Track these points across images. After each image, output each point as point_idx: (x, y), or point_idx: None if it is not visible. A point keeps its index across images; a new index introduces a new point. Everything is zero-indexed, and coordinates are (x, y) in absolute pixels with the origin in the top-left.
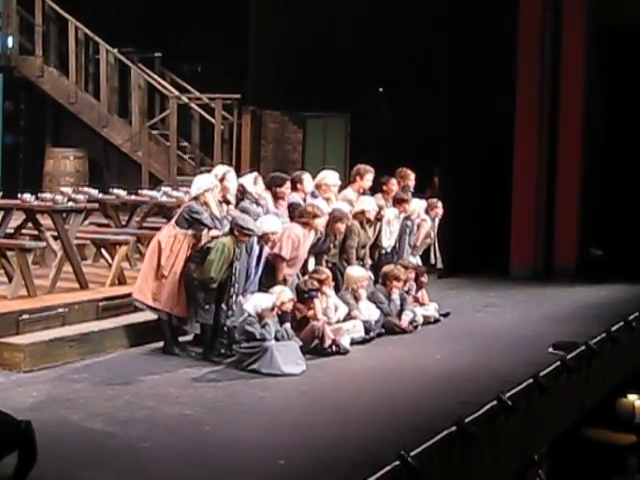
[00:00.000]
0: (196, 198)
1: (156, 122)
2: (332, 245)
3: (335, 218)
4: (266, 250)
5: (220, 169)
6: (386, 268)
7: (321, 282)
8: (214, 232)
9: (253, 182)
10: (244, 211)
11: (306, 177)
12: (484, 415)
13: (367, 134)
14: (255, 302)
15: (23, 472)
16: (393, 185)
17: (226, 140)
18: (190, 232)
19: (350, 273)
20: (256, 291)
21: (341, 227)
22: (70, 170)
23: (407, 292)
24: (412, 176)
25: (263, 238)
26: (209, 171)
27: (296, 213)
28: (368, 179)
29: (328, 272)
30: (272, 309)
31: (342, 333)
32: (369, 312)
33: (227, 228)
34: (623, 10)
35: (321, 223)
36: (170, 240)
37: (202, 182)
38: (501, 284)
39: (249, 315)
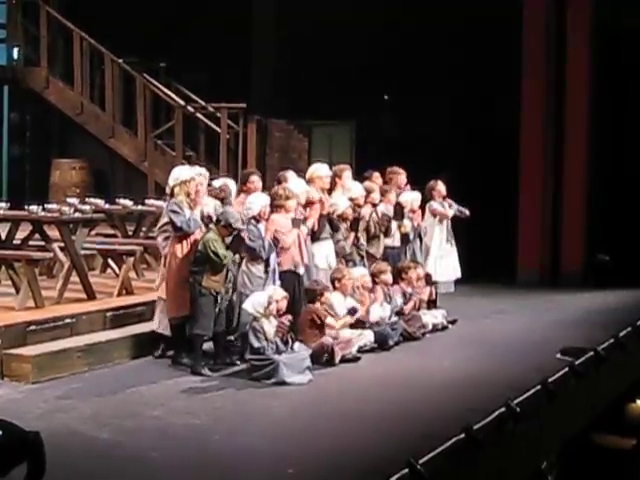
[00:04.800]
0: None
1: (162, 132)
2: (345, 236)
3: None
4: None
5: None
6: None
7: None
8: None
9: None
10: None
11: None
12: (493, 422)
13: (372, 141)
14: (252, 301)
15: None
16: (377, 178)
17: (232, 149)
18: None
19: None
20: None
21: (349, 212)
22: (76, 181)
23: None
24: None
25: (259, 215)
26: (213, 179)
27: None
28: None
29: (346, 271)
30: (269, 304)
31: (352, 344)
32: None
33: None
34: (627, 11)
35: (293, 205)
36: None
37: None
38: (508, 290)
39: (252, 317)
